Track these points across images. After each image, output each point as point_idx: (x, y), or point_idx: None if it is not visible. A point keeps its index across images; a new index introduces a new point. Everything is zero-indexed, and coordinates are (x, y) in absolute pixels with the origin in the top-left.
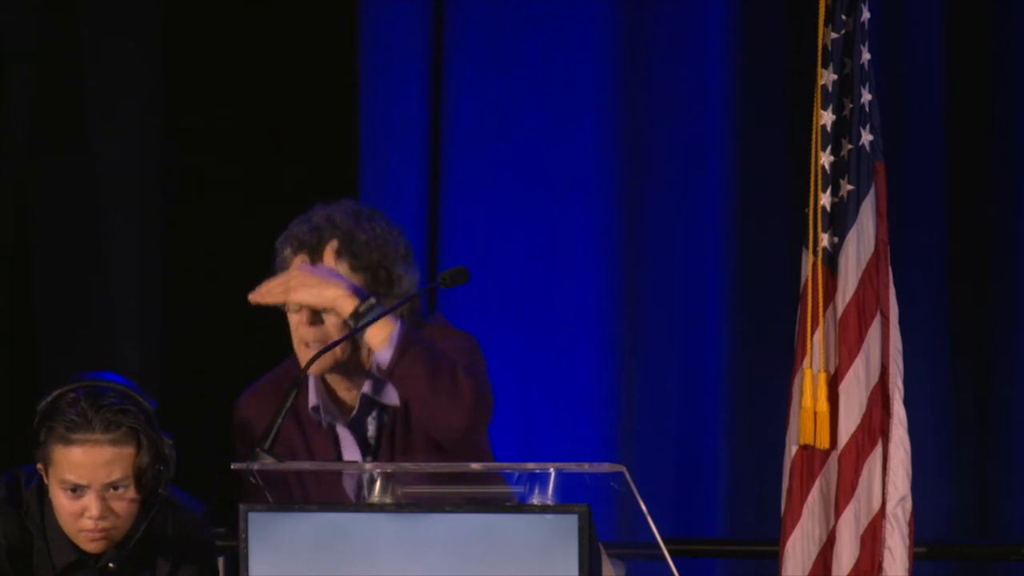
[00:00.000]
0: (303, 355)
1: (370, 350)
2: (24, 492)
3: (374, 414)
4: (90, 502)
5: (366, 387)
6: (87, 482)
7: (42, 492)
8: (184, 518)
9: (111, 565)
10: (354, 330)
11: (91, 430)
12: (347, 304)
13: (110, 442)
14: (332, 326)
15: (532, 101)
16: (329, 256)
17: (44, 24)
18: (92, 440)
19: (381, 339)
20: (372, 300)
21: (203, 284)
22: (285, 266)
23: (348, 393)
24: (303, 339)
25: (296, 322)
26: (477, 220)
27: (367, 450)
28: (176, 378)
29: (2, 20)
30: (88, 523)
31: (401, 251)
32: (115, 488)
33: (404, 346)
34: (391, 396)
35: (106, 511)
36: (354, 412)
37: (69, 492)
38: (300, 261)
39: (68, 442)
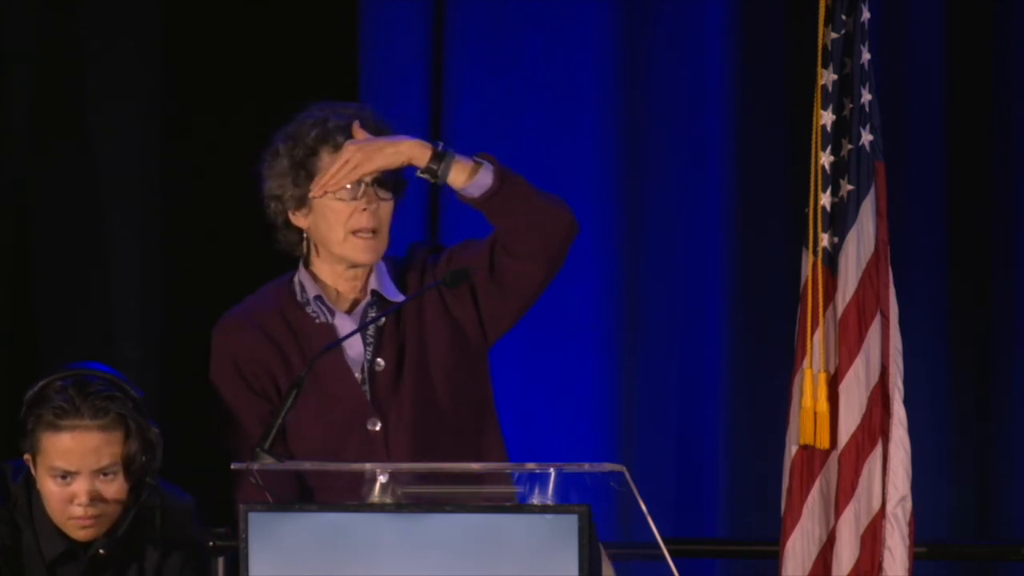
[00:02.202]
0: (357, 247)
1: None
2: (11, 485)
3: (380, 310)
4: (79, 489)
5: (373, 281)
6: (76, 468)
7: (30, 485)
8: (172, 509)
9: (101, 552)
10: (356, 329)
11: (80, 416)
12: (422, 151)
13: (99, 428)
14: (386, 210)
15: (532, 101)
16: (359, 132)
17: (44, 24)
18: (81, 426)
19: (467, 173)
20: (441, 144)
21: (203, 284)
22: (323, 165)
23: (349, 284)
24: (363, 226)
25: (348, 212)
26: (478, 220)
27: (366, 342)
28: (176, 378)
29: (2, 20)
30: (78, 510)
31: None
32: (104, 475)
33: (502, 170)
34: (395, 294)
35: (95, 497)
36: (359, 304)
37: (58, 479)
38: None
39: (57, 428)
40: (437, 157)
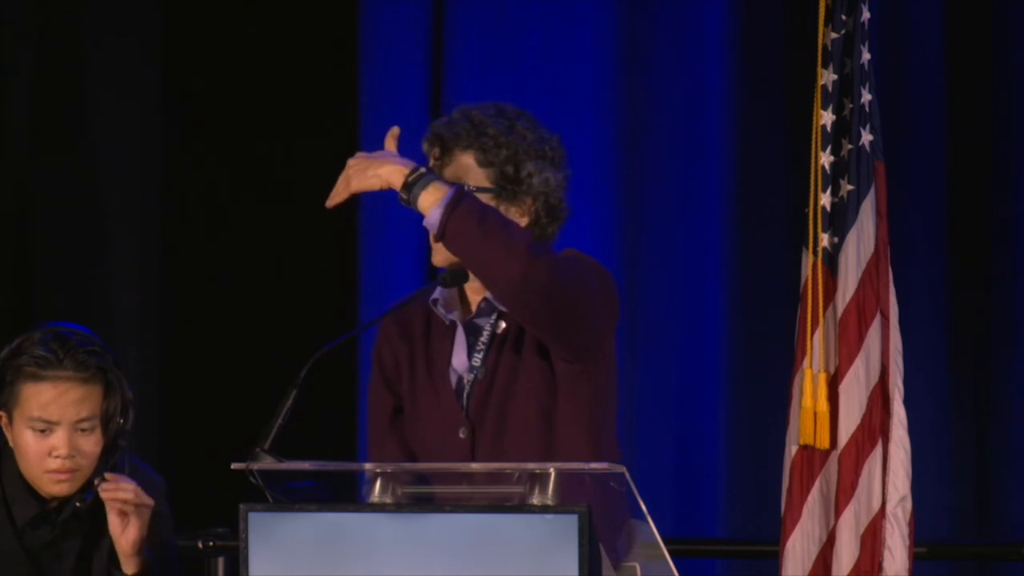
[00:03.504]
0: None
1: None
2: None
3: (492, 319)
4: (58, 440)
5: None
6: (57, 419)
7: (0, 449)
8: (145, 482)
9: (78, 504)
10: (359, 328)
11: (62, 367)
12: (397, 177)
13: (81, 380)
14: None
15: (532, 101)
16: (458, 149)
17: (44, 24)
18: (63, 377)
19: (431, 202)
20: (422, 169)
21: (203, 284)
22: (427, 160)
23: (475, 296)
24: None
25: None
26: None
27: (473, 353)
28: (176, 378)
29: (2, 20)
30: (55, 463)
31: (540, 150)
32: (82, 428)
33: (454, 203)
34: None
35: (73, 450)
36: (473, 314)
37: (37, 431)
38: (434, 153)
39: (39, 379)
40: (407, 186)
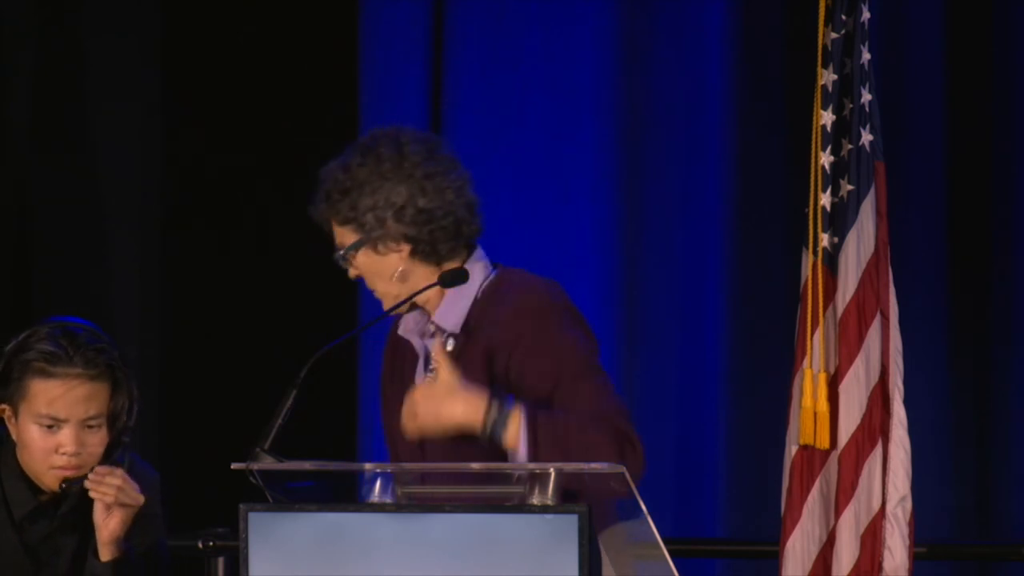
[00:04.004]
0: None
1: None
2: None
3: (438, 338)
4: (66, 437)
5: (438, 311)
6: (65, 416)
7: (1, 442)
8: (140, 478)
9: (63, 487)
10: (360, 328)
11: (72, 364)
12: (474, 422)
13: (89, 378)
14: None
15: (532, 101)
16: (330, 222)
17: (44, 24)
18: (73, 374)
19: (514, 439)
20: (492, 406)
21: (203, 284)
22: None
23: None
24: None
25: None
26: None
27: (426, 371)
28: (176, 379)
29: (2, 20)
30: (61, 459)
31: (409, 177)
32: (89, 425)
33: (532, 436)
34: (451, 322)
35: (80, 447)
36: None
37: (44, 428)
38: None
39: (48, 375)
40: (487, 431)
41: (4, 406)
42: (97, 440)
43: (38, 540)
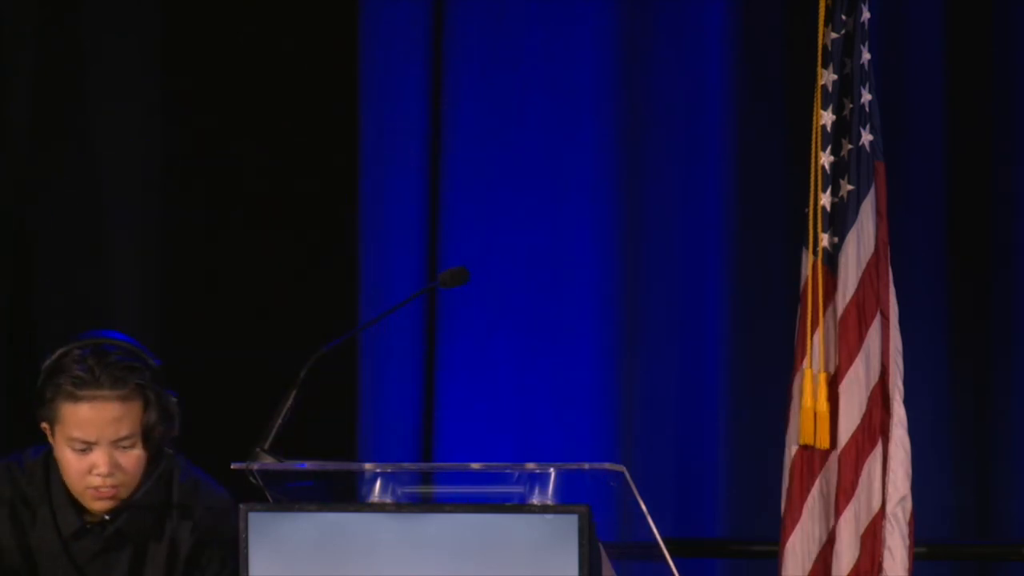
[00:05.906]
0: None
1: None
2: (28, 461)
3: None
4: (98, 459)
5: None
6: (95, 439)
7: (48, 460)
8: (210, 499)
9: (106, 517)
10: (360, 328)
11: (99, 386)
12: None
13: (117, 398)
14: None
15: (532, 101)
16: None
17: (44, 24)
18: (100, 396)
19: None
20: None
21: (203, 284)
22: None
23: None
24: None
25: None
26: (477, 220)
27: None
28: (176, 378)
29: (2, 20)
30: (96, 480)
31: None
32: (122, 445)
33: None
34: None
35: (114, 468)
36: None
37: (77, 450)
38: None
39: (76, 399)
40: None
41: (45, 424)
42: (132, 459)
43: (88, 558)
